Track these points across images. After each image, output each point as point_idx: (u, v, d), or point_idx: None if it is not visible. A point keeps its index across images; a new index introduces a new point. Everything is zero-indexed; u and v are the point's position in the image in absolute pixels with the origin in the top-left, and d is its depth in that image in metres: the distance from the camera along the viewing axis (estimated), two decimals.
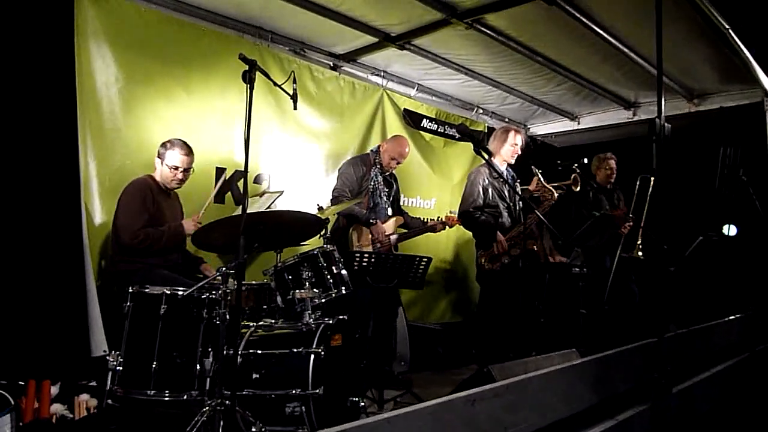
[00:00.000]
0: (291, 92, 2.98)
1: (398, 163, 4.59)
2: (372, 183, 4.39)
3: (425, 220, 5.04)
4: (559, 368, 2.44)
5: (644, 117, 6.09)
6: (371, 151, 4.55)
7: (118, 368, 2.68)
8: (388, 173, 4.56)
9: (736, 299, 5.15)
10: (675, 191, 5.29)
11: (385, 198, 4.49)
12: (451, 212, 4.73)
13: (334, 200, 4.33)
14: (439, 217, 4.75)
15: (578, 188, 4.35)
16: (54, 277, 3.41)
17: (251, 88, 2.42)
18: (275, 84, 2.79)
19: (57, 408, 2.70)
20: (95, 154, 3.64)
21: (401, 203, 5.05)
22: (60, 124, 3.50)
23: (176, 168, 3.49)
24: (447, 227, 4.69)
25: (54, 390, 2.76)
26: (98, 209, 3.65)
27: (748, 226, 5.65)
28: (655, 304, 3.46)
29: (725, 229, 5.83)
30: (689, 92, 5.76)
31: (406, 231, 4.62)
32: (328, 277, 3.20)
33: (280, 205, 4.30)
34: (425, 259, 3.62)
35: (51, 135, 3.47)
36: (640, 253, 4.99)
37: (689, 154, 5.93)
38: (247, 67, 2.41)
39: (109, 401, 2.73)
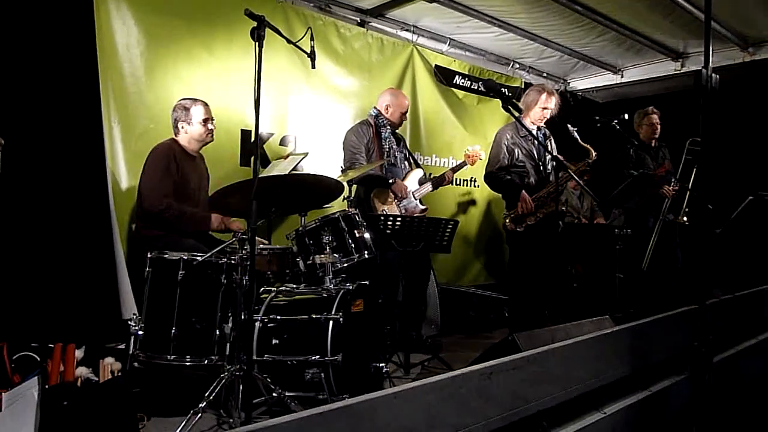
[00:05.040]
0: (308, 50, 2.84)
1: (405, 114, 4.40)
2: (387, 144, 4.23)
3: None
4: (587, 338, 2.31)
5: (694, 68, 5.70)
6: (369, 114, 4.34)
7: (139, 332, 2.69)
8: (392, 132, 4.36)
9: None
10: (726, 148, 4.96)
11: (400, 156, 4.33)
12: (469, 149, 4.51)
13: (349, 169, 4.19)
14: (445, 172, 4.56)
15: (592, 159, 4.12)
16: (82, 242, 3.46)
17: (260, 46, 2.30)
18: (289, 41, 2.66)
19: (82, 371, 2.74)
20: (119, 119, 3.61)
21: (426, 161, 4.85)
22: (81, 88, 3.49)
23: (206, 120, 3.44)
24: (467, 165, 4.54)
25: (79, 353, 2.79)
26: (124, 174, 3.64)
27: None
28: (698, 268, 3.26)
29: None
30: (743, 40, 5.35)
31: (431, 181, 4.44)
32: (350, 241, 3.11)
33: (306, 166, 4.23)
34: (451, 222, 3.50)
35: (73, 100, 3.47)
36: (685, 218, 4.72)
37: (743, 108, 5.54)
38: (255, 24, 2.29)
39: (135, 364, 2.76)
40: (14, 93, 3.20)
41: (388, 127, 4.25)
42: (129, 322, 2.73)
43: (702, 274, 3.33)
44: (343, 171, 3.69)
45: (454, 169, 4.61)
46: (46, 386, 2.50)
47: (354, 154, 4.09)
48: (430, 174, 4.84)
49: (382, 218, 3.45)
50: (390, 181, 4.10)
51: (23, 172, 3.06)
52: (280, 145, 4.42)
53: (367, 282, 3.02)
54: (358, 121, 4.37)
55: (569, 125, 4.04)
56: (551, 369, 2.08)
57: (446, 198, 5.57)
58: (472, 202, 5.84)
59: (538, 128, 4.30)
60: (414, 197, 4.25)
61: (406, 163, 4.40)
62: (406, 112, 4.38)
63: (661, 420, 2.59)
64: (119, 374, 2.80)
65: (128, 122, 3.64)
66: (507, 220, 4.10)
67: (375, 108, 4.33)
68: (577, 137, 4.10)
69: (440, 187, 4.61)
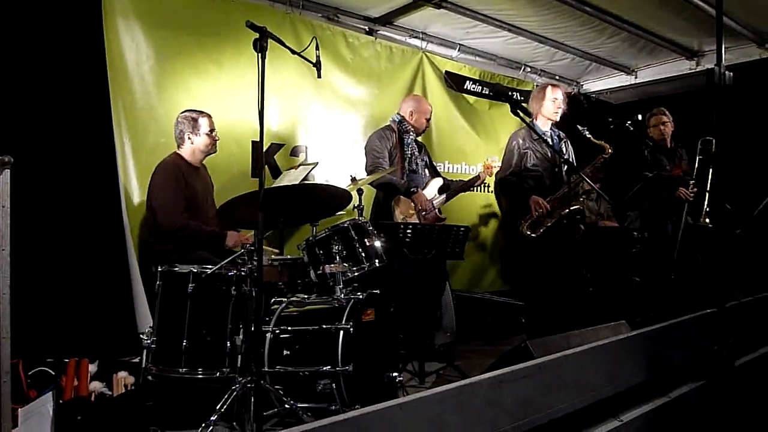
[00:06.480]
0: (314, 60, 2.84)
1: (429, 121, 4.41)
2: (409, 150, 4.22)
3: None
4: (600, 344, 2.26)
5: (709, 66, 5.59)
6: (392, 120, 4.34)
7: (151, 346, 2.70)
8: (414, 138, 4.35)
9: None
10: (744, 146, 4.85)
11: (421, 164, 4.32)
12: (488, 159, 4.51)
13: (370, 174, 4.20)
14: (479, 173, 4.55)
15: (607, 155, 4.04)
16: (95, 257, 3.49)
17: (263, 58, 2.31)
18: (293, 52, 2.66)
19: (96, 386, 2.76)
20: (130, 134, 3.65)
21: (438, 168, 4.84)
22: (93, 105, 3.53)
23: (212, 131, 3.51)
24: (488, 176, 4.53)
25: (93, 368, 2.82)
26: (136, 188, 3.68)
27: None
28: (718, 270, 3.18)
29: None
30: (760, 36, 5.23)
31: (447, 192, 4.42)
32: (360, 250, 3.09)
33: (317, 176, 4.24)
34: (463, 229, 3.46)
35: (85, 117, 3.51)
36: (707, 220, 4.60)
37: (762, 105, 5.42)
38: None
39: (149, 378, 2.77)
40: (25, 111, 3.25)
41: (411, 134, 4.26)
42: (141, 336, 2.75)
43: (722, 276, 3.25)
44: (352, 180, 3.68)
45: (468, 184, 4.54)
46: (61, 401, 2.53)
47: (377, 158, 4.10)
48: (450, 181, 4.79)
49: (393, 227, 3.43)
50: (411, 190, 4.09)
51: (36, 189, 3.09)
52: (291, 155, 4.43)
53: (378, 291, 3.00)
54: (380, 127, 4.37)
55: (578, 125, 3.99)
56: (564, 376, 2.03)
57: (463, 205, 5.52)
58: (488, 208, 5.79)
59: (552, 129, 4.25)
60: (433, 206, 4.23)
61: (427, 170, 4.39)
62: (430, 117, 4.39)
63: (680, 427, 2.52)
64: (132, 388, 2.82)
65: (139, 137, 3.68)
66: (524, 228, 4.01)
67: (398, 114, 4.34)
68: (590, 136, 4.04)
69: (465, 192, 4.60)
